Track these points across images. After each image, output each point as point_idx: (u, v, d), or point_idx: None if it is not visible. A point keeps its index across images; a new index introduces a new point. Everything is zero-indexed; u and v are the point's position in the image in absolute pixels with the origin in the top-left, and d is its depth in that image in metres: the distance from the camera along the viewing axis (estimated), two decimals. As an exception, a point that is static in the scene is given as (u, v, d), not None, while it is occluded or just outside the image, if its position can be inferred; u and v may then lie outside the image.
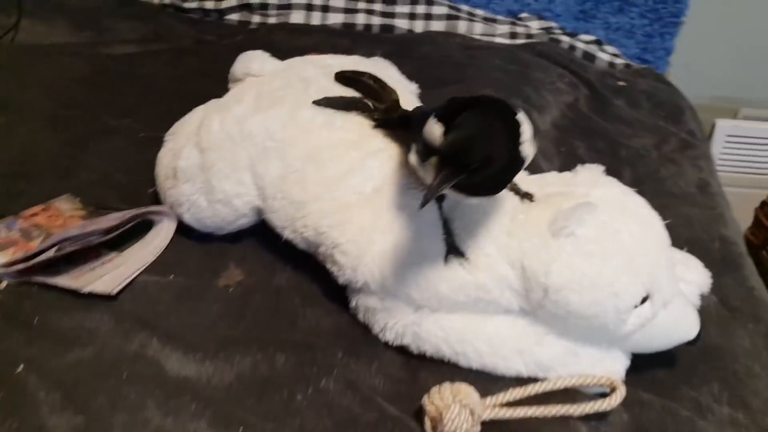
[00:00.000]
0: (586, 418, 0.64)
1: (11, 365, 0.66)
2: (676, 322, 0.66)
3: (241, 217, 0.81)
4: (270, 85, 0.83)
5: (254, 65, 0.87)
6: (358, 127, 0.77)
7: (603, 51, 1.42)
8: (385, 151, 0.75)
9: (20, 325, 0.70)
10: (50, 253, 0.74)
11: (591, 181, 0.69)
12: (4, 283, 0.75)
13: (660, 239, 0.66)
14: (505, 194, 0.68)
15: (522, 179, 0.73)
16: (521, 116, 0.59)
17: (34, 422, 0.61)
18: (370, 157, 0.75)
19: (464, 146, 0.52)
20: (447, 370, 0.68)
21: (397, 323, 0.68)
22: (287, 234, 0.76)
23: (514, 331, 0.67)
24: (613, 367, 0.67)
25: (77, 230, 0.76)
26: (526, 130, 0.58)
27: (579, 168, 0.73)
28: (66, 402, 0.62)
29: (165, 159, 0.85)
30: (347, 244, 0.69)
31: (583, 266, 0.61)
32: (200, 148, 0.80)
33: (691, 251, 0.78)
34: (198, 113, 0.90)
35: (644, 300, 0.63)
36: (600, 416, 0.64)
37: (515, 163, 0.57)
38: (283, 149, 0.76)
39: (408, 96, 0.89)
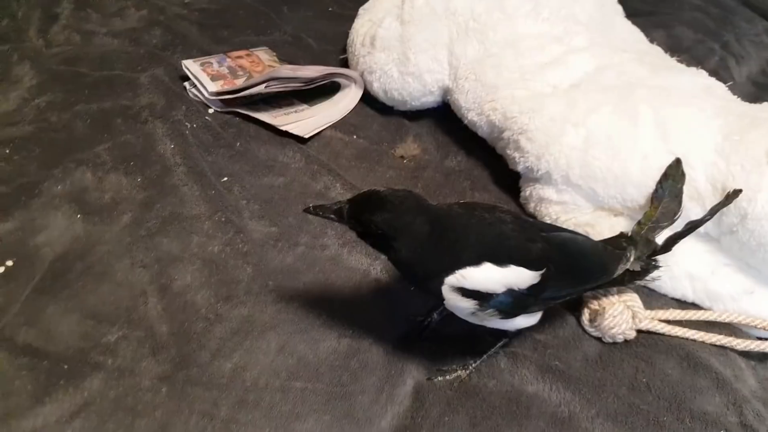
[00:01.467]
0: (747, 355, 0.62)
1: (218, 175, 0.74)
2: None
3: (428, 94, 0.82)
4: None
5: None
6: (563, 21, 0.76)
7: (821, 11, 1.28)
8: (589, 50, 0.74)
9: (225, 145, 0.78)
10: (261, 88, 0.80)
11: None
12: (212, 110, 0.83)
13: None
14: (714, 112, 0.65)
15: (738, 101, 0.69)
16: None
17: (238, 222, 0.68)
18: (573, 54, 0.73)
19: None
20: (610, 277, 0.68)
21: (570, 219, 0.69)
22: (471, 116, 0.78)
23: (692, 255, 0.65)
24: (788, 315, 0.64)
25: (288, 72, 0.81)
26: None
27: None
28: (263, 213, 0.70)
29: (362, 28, 0.88)
30: (535, 132, 0.69)
31: None
32: (402, 20, 0.82)
33: None
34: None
35: None
36: (762, 357, 0.63)
37: None
38: (484, 32, 0.76)
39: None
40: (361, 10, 0.94)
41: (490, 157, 0.79)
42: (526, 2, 0.77)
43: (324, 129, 0.83)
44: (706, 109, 0.65)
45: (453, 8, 0.79)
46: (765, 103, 0.69)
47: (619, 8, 0.86)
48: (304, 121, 0.82)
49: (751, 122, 0.63)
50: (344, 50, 0.92)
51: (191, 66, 0.86)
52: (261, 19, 1.06)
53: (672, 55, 0.87)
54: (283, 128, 0.79)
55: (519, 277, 0.50)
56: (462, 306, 0.51)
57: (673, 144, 0.64)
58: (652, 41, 0.87)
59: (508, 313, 0.52)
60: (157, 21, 1.01)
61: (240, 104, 0.83)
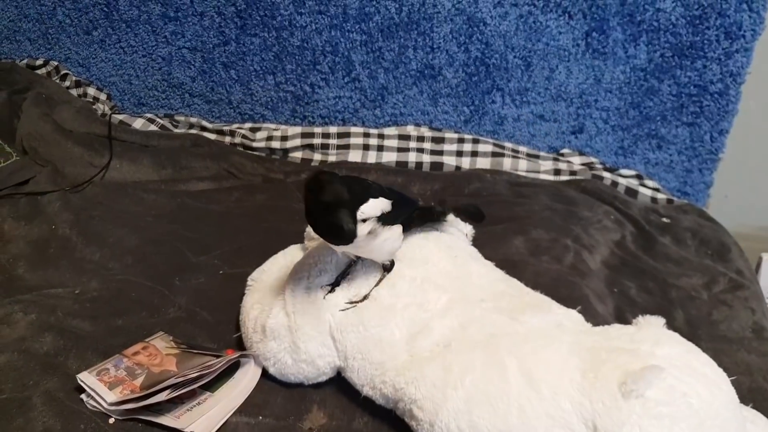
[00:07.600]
0: None
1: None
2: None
3: (322, 374, 0.88)
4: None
5: None
6: (422, 291, 0.86)
7: (644, 186, 1.48)
8: (451, 310, 0.83)
9: (129, 463, 0.77)
10: (162, 396, 0.81)
11: (654, 338, 0.74)
12: (113, 420, 0.83)
13: (728, 399, 0.70)
14: (569, 350, 0.74)
15: (586, 332, 0.78)
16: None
17: None
18: (436, 319, 0.83)
19: None
20: None
21: (474, 472, 0.72)
22: (366, 391, 0.84)
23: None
24: None
25: (183, 378, 0.83)
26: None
27: (640, 320, 0.79)
28: None
29: (252, 312, 0.93)
30: (423, 400, 0.76)
31: (653, 429, 0.65)
32: (287, 311, 0.88)
33: (754, 402, 0.81)
34: (279, 261, 0.99)
35: (714, 460, 0.66)
36: None
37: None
38: (360, 313, 0.85)
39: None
40: (249, 281, 1.00)
41: (395, 416, 0.83)
42: (383, 286, 0.86)
43: (229, 416, 0.84)
44: (561, 348, 0.74)
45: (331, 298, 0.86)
46: (606, 327, 0.79)
47: (473, 251, 0.98)
48: (209, 413, 0.83)
49: (601, 356, 0.72)
50: (238, 326, 0.96)
51: (87, 379, 0.86)
52: (154, 297, 1.08)
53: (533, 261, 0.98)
54: (188, 430, 0.80)
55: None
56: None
57: (541, 391, 0.71)
58: (515, 251, 0.96)
59: None
60: (47, 324, 1.00)
61: (143, 409, 0.83)
